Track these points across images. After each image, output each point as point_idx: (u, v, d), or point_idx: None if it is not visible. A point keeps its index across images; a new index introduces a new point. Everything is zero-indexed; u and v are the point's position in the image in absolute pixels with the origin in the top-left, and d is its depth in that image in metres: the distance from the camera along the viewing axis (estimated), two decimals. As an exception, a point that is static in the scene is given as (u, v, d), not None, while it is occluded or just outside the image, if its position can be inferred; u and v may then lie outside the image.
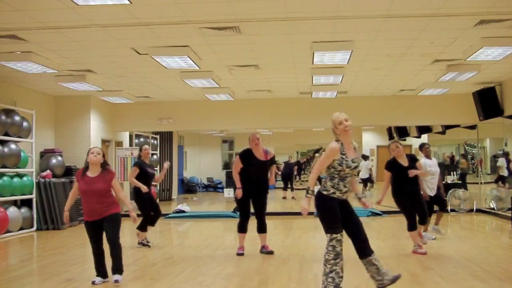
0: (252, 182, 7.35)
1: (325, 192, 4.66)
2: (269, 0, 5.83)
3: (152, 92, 12.13)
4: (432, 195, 8.29)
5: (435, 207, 8.66)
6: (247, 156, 7.38)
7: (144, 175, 8.15)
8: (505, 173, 13.85)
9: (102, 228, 5.65)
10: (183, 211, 13.33)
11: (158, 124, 13.69)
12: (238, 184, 7.32)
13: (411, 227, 7.20)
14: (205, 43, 7.53)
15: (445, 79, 10.03)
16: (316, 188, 4.70)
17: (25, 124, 10.41)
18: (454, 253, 7.29)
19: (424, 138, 19.74)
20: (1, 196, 9.60)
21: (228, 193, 17.22)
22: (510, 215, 10.62)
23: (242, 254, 7.36)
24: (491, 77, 10.79)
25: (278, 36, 7.32)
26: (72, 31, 6.85)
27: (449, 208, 12.64)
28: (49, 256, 7.75)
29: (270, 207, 15.62)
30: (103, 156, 5.74)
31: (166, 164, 8.57)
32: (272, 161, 7.63)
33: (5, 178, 9.72)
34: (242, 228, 7.46)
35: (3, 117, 9.74)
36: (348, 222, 4.70)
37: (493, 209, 12.39)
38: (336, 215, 4.63)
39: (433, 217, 8.62)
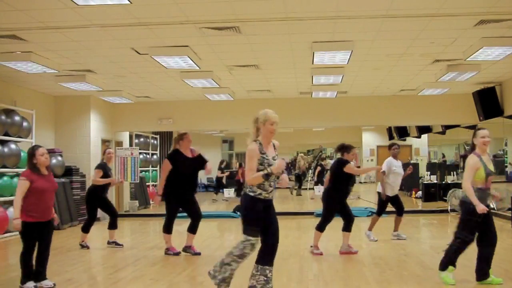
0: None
1: (251, 194, 4.58)
2: (269, 0, 5.83)
3: (152, 92, 12.13)
4: (391, 196, 8.46)
5: (389, 209, 8.75)
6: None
7: (105, 178, 8.27)
8: None
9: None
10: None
11: (158, 124, 13.69)
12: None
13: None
14: (205, 43, 7.53)
15: (445, 79, 10.03)
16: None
17: (25, 124, 10.40)
18: (454, 253, 7.29)
19: (424, 138, 19.74)
20: (1, 196, 9.61)
21: (228, 193, 17.25)
22: (510, 215, 10.62)
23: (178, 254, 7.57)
24: (491, 77, 10.79)
25: (278, 36, 7.32)
26: (72, 31, 6.85)
27: (449, 208, 12.66)
28: (49, 256, 7.74)
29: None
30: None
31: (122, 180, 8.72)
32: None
33: (5, 178, 9.72)
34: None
35: (3, 117, 9.74)
36: (267, 228, 4.64)
37: (493, 209, 12.39)
38: (259, 220, 4.60)
39: (391, 221, 8.73)
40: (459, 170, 16.51)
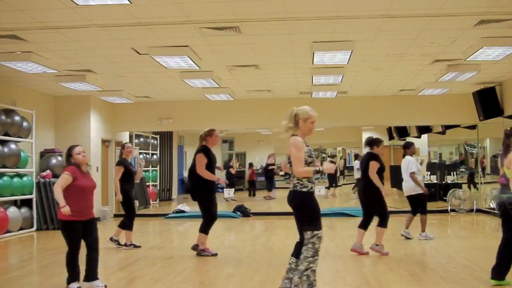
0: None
1: (305, 189, 4.56)
2: (269, 0, 5.83)
3: (152, 92, 12.13)
4: (412, 194, 8.51)
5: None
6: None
7: (128, 174, 8.12)
8: None
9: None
10: (183, 211, 13.34)
11: (158, 124, 13.70)
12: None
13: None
14: (205, 43, 7.53)
15: (445, 79, 10.03)
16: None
17: (25, 124, 10.41)
18: (454, 253, 7.30)
19: (424, 138, 19.73)
20: (1, 196, 9.61)
21: (228, 193, 17.22)
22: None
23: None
24: (491, 77, 10.79)
25: (278, 36, 7.32)
26: (72, 31, 6.85)
27: (449, 208, 12.66)
28: (49, 256, 7.75)
29: (271, 207, 15.63)
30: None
31: (142, 161, 8.65)
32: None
33: (5, 178, 9.72)
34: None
35: (3, 117, 9.74)
36: None
37: (493, 209, 12.38)
38: (319, 211, 4.58)
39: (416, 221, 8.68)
40: (459, 170, 16.52)
